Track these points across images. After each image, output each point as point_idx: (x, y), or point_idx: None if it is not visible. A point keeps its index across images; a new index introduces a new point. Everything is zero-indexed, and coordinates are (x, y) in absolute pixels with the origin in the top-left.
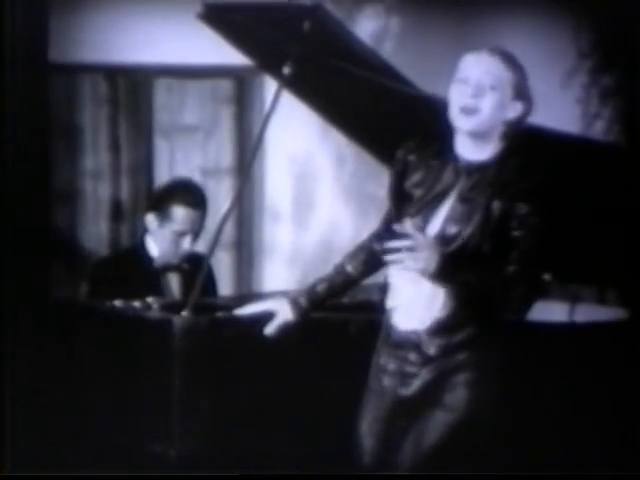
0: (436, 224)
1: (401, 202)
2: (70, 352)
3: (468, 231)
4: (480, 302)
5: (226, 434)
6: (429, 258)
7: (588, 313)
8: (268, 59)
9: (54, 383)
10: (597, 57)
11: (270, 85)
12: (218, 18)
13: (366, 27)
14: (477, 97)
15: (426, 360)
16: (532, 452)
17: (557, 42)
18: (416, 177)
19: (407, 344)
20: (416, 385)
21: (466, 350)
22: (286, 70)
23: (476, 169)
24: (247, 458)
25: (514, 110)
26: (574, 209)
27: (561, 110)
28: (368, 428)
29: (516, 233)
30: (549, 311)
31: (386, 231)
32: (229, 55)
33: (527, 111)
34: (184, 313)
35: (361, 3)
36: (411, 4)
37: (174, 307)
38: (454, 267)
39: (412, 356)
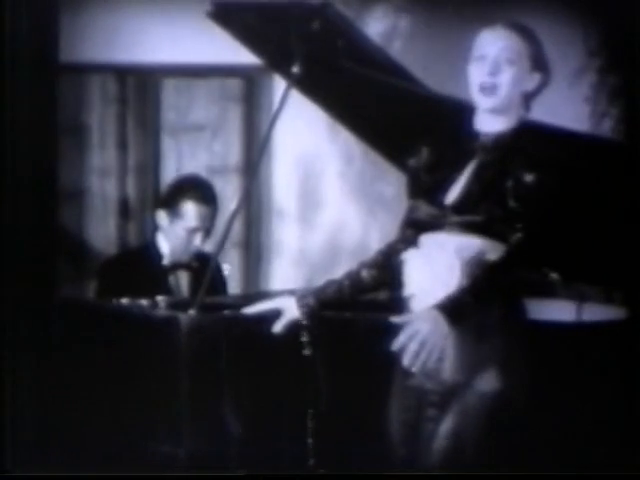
0: (454, 193)
1: (417, 187)
2: (77, 351)
3: (485, 200)
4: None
5: (233, 433)
6: (436, 321)
7: (595, 312)
8: (277, 58)
9: (60, 382)
10: (606, 56)
11: (279, 84)
12: (227, 17)
13: (375, 27)
14: (495, 74)
15: None
16: (533, 450)
17: (566, 41)
18: (431, 162)
19: None
20: (441, 372)
21: (488, 334)
22: (295, 69)
23: (494, 139)
24: (255, 457)
25: (532, 81)
26: (582, 208)
27: (569, 109)
28: (397, 417)
29: (522, 201)
30: (556, 310)
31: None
32: (238, 54)
33: (545, 80)
34: (191, 311)
35: (370, 3)
36: (420, 4)
37: (181, 305)
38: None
39: None
